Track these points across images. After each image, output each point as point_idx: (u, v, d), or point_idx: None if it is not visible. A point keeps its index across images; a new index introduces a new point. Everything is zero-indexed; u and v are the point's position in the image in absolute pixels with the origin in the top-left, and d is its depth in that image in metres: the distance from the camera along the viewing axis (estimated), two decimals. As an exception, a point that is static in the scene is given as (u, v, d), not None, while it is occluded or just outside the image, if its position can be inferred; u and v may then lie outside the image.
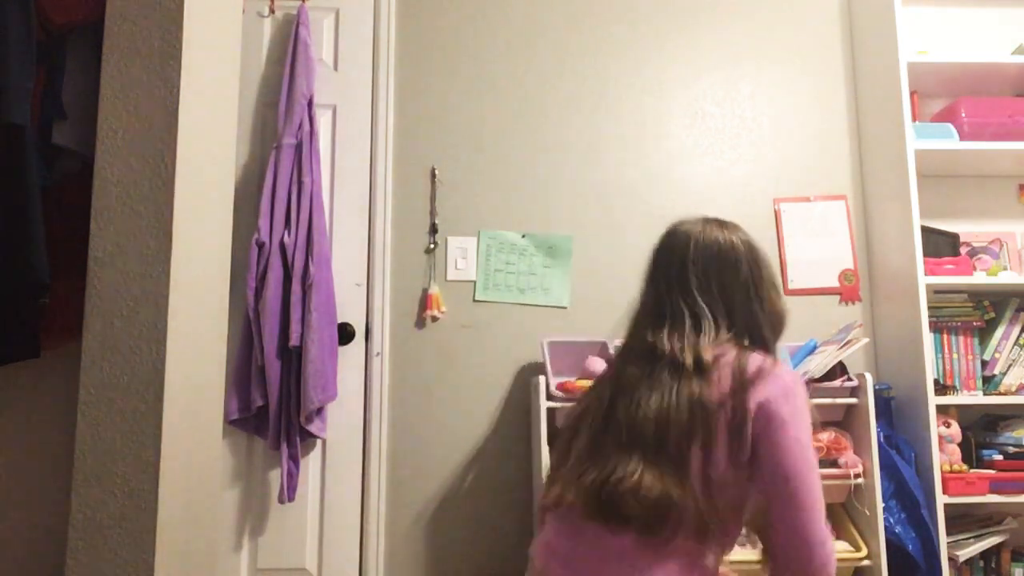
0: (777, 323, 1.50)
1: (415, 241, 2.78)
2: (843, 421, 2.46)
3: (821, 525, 1.29)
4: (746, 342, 1.43)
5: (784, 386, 1.34)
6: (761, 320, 1.46)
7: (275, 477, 2.55)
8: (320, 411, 2.54)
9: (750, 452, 1.30)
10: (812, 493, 1.29)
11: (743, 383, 1.33)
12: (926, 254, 2.54)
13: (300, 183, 2.57)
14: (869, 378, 2.38)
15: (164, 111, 1.62)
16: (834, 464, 2.37)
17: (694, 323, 1.42)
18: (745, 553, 2.33)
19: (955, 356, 2.58)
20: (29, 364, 1.66)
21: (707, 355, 1.37)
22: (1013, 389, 2.55)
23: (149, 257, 1.58)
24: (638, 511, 1.27)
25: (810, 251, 2.83)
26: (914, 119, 2.67)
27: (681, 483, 1.27)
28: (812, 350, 2.52)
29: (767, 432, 1.30)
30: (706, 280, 1.46)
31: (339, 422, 2.62)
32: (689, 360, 1.36)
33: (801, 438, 1.31)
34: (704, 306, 1.43)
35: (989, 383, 2.57)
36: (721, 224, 1.53)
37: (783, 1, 2.99)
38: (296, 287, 2.50)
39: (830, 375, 2.43)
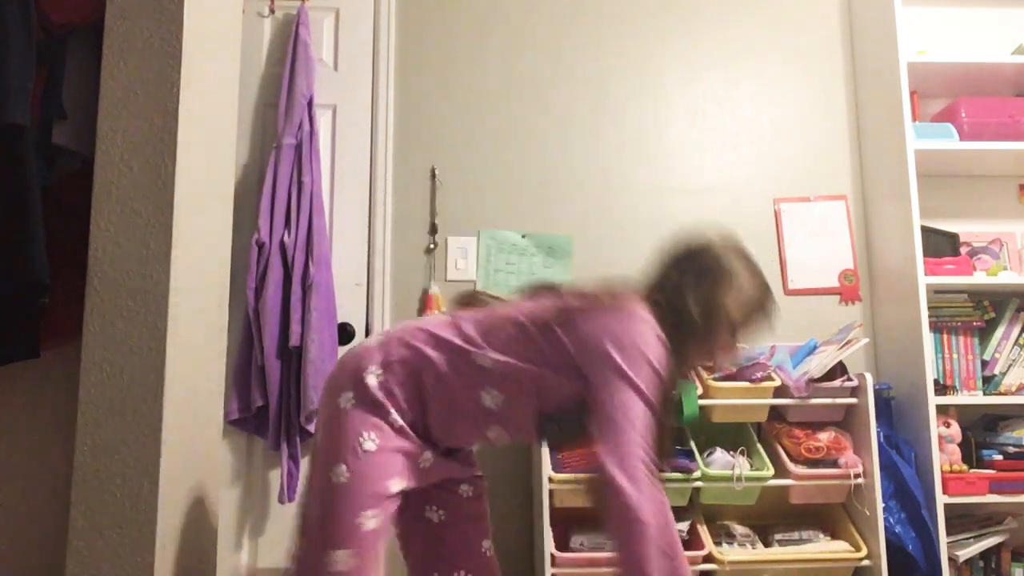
0: (705, 326, 1.50)
1: (415, 241, 2.77)
2: (843, 421, 2.45)
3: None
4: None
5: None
6: (688, 306, 1.49)
7: (275, 477, 2.55)
8: (320, 411, 2.54)
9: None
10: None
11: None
12: (926, 254, 2.53)
13: (300, 183, 2.57)
14: (869, 378, 2.38)
15: (164, 111, 1.62)
16: (834, 464, 2.36)
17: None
18: (745, 553, 2.34)
19: (955, 356, 2.58)
20: (29, 364, 1.66)
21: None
22: (1013, 389, 2.55)
23: (149, 257, 1.58)
24: None
25: (810, 251, 2.83)
26: (914, 119, 2.66)
27: None
28: (812, 350, 2.52)
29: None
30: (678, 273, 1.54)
31: (339, 422, 2.61)
32: None
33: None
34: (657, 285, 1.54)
35: (989, 383, 2.57)
36: (730, 248, 1.58)
37: (783, 1, 2.99)
38: (296, 287, 2.50)
39: (830, 375, 2.43)
